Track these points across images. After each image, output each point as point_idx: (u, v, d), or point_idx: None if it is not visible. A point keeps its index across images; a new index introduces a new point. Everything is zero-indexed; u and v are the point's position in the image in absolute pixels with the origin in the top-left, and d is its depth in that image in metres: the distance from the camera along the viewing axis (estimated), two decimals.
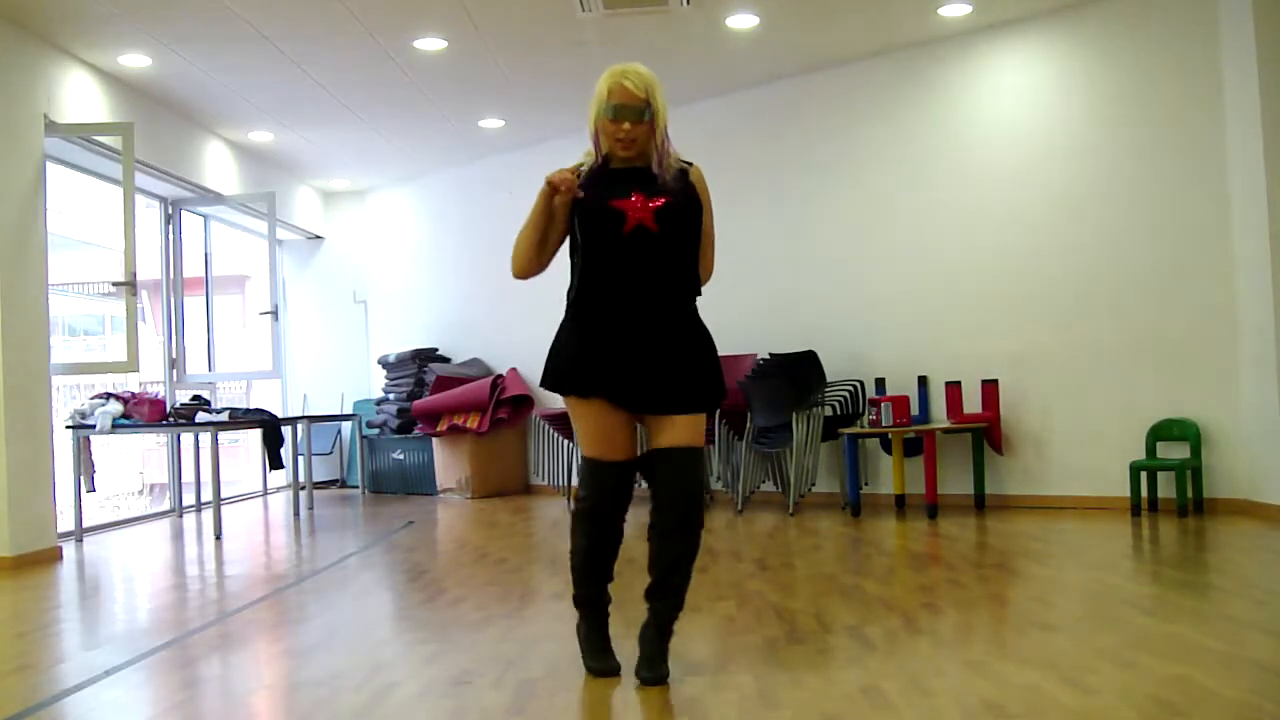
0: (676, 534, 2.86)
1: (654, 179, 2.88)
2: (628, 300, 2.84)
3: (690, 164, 2.98)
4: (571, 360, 2.87)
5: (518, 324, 9.03)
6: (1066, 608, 3.65)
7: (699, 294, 2.97)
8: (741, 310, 7.28)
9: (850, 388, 6.87)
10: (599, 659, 2.96)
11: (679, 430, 2.83)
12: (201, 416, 6.91)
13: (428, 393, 9.00)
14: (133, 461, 12.63)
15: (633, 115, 2.83)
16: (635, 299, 2.84)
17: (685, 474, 2.83)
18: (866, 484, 6.86)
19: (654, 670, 2.84)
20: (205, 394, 7.80)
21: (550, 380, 2.91)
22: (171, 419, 6.97)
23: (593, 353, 2.84)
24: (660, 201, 2.83)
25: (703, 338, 2.93)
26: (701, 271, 2.99)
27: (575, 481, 8.11)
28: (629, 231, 2.82)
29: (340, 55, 6.54)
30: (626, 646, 3.25)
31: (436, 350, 9.55)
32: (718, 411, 6.97)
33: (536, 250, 2.98)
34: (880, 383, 6.79)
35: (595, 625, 3.01)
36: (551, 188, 2.89)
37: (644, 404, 2.85)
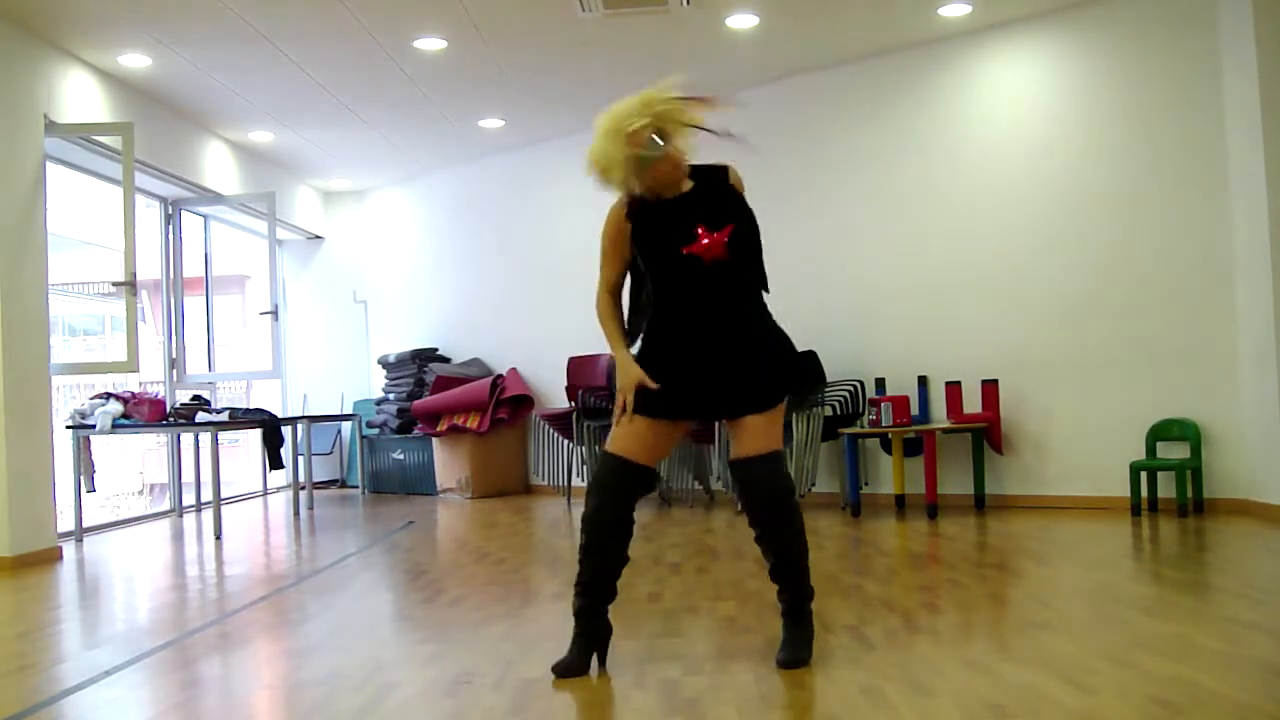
0: (770, 535, 2.96)
1: (703, 202, 2.94)
2: (709, 324, 2.91)
3: (727, 166, 3.03)
4: (659, 383, 2.91)
5: (518, 324, 9.04)
6: (1066, 608, 3.65)
7: (766, 290, 3.02)
8: None
9: (850, 388, 6.87)
10: (569, 656, 2.97)
11: (748, 437, 2.91)
12: (201, 416, 6.91)
13: (428, 393, 9.00)
14: (133, 461, 12.63)
15: (655, 150, 2.89)
16: (716, 322, 2.91)
17: (760, 482, 2.92)
18: (866, 484, 6.86)
19: (786, 653, 2.93)
20: (205, 394, 7.80)
21: (639, 405, 2.93)
22: (171, 419, 6.97)
23: (668, 378, 2.91)
24: (728, 231, 2.89)
25: (770, 334, 2.98)
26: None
27: (576, 482, 8.13)
28: (708, 268, 2.88)
29: (340, 55, 6.54)
30: (626, 647, 3.26)
31: (436, 350, 9.55)
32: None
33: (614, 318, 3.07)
34: (880, 383, 6.79)
35: (582, 630, 3.00)
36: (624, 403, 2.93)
37: (715, 413, 3.01)
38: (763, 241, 3.05)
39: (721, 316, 2.91)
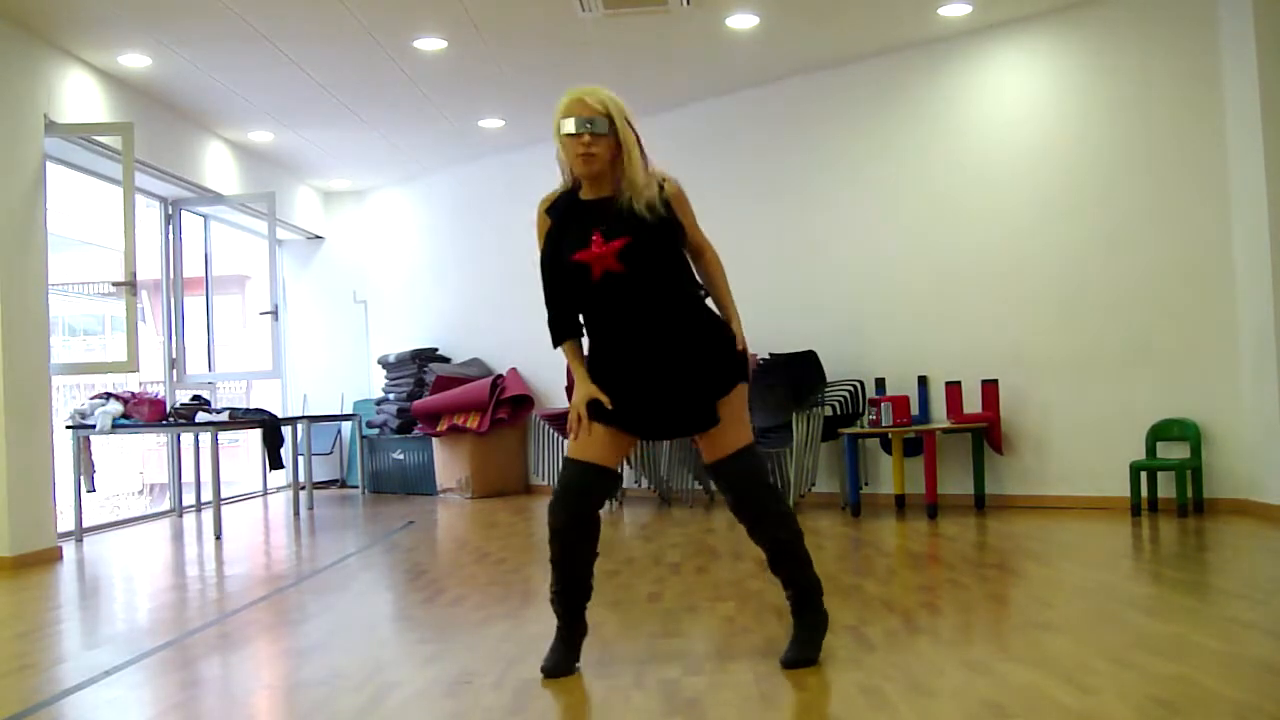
0: (759, 530, 2.98)
1: (617, 212, 2.84)
2: (619, 337, 2.90)
3: (665, 180, 2.90)
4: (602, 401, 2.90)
5: (518, 324, 9.03)
6: (1066, 608, 3.65)
7: (698, 289, 2.97)
8: (742, 310, 7.20)
9: (850, 388, 6.87)
10: (550, 657, 2.98)
11: (712, 443, 2.95)
12: (201, 416, 6.91)
13: (428, 393, 9.00)
14: (133, 461, 12.64)
15: (588, 127, 2.77)
16: (624, 335, 2.89)
17: (734, 478, 2.95)
18: (866, 484, 6.86)
19: (791, 652, 2.94)
20: (205, 394, 7.80)
21: (593, 414, 2.92)
22: (171, 419, 6.97)
23: (615, 392, 2.89)
24: (620, 242, 2.80)
25: (699, 336, 2.92)
26: (710, 272, 3.00)
27: None
28: (598, 279, 2.82)
29: (340, 55, 6.54)
30: (626, 647, 3.26)
31: (436, 350, 9.55)
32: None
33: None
34: (880, 383, 6.79)
35: (562, 630, 3.02)
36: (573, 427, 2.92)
37: (662, 434, 3.05)
38: (715, 245, 3.02)
39: (636, 331, 2.86)
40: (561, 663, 2.98)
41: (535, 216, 2.95)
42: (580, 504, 2.91)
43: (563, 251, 2.86)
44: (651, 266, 2.84)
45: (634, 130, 2.85)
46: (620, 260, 2.80)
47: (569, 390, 8.25)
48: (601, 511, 3.02)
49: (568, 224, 2.88)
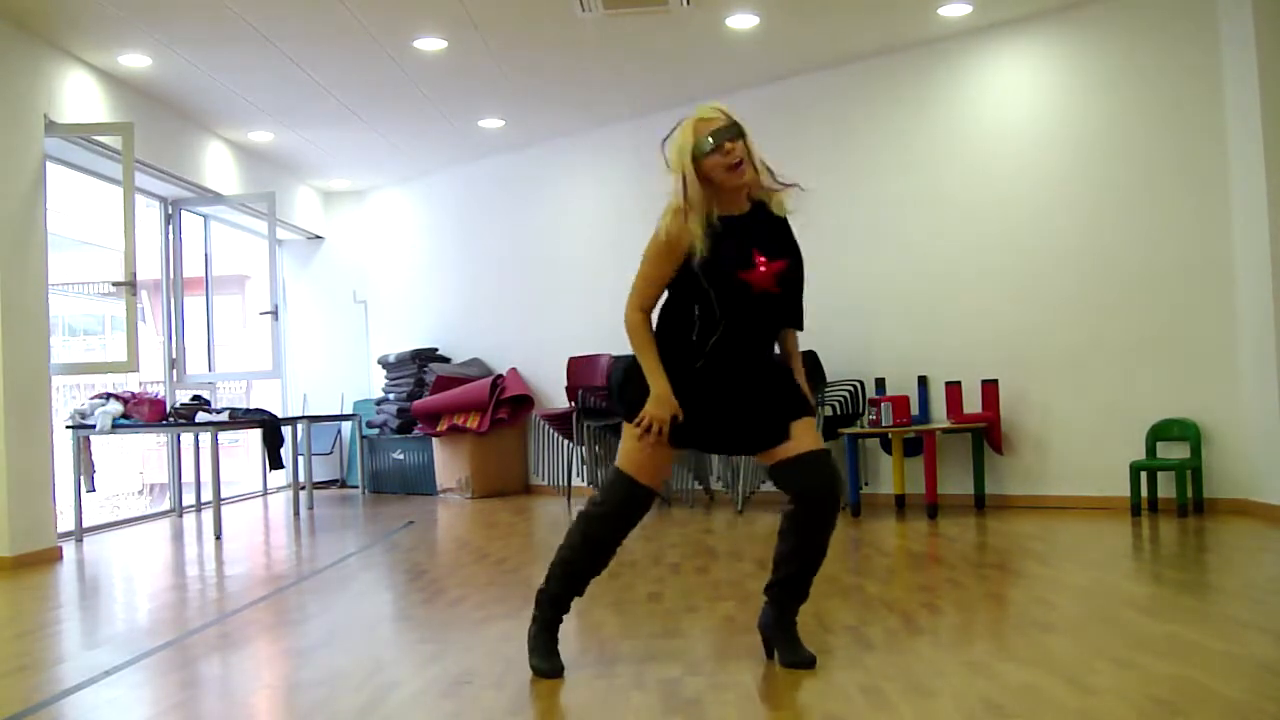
0: (818, 534, 2.90)
1: (761, 228, 2.88)
2: (748, 352, 2.88)
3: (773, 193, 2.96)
4: (686, 417, 2.85)
5: (518, 324, 9.04)
6: (1066, 608, 3.65)
7: (801, 327, 2.99)
8: None
9: (850, 388, 6.87)
10: (547, 660, 2.99)
11: (805, 435, 2.87)
12: (201, 416, 6.91)
13: (428, 393, 9.00)
14: (133, 461, 12.64)
15: (732, 134, 2.80)
16: (754, 351, 2.89)
17: (829, 474, 2.87)
18: (866, 484, 6.86)
19: (790, 655, 2.95)
20: (205, 394, 7.80)
21: (676, 437, 2.88)
22: (171, 419, 6.97)
23: (704, 411, 2.86)
24: (781, 265, 2.84)
25: (779, 365, 3.00)
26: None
27: (575, 481, 8.13)
28: (756, 295, 2.83)
29: (340, 55, 6.54)
30: (626, 647, 3.25)
31: (436, 350, 9.55)
32: None
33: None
34: (880, 383, 6.79)
35: (548, 627, 3.04)
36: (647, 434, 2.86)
37: (738, 449, 3.02)
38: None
39: (755, 352, 2.89)
40: (555, 665, 2.98)
41: (668, 212, 2.81)
42: (629, 524, 2.99)
43: (722, 265, 2.79)
44: (797, 289, 2.91)
45: None
46: (778, 283, 2.84)
47: (569, 390, 8.28)
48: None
49: (723, 239, 2.81)
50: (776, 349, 3.05)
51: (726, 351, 2.85)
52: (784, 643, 2.98)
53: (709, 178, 2.81)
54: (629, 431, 2.92)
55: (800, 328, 2.97)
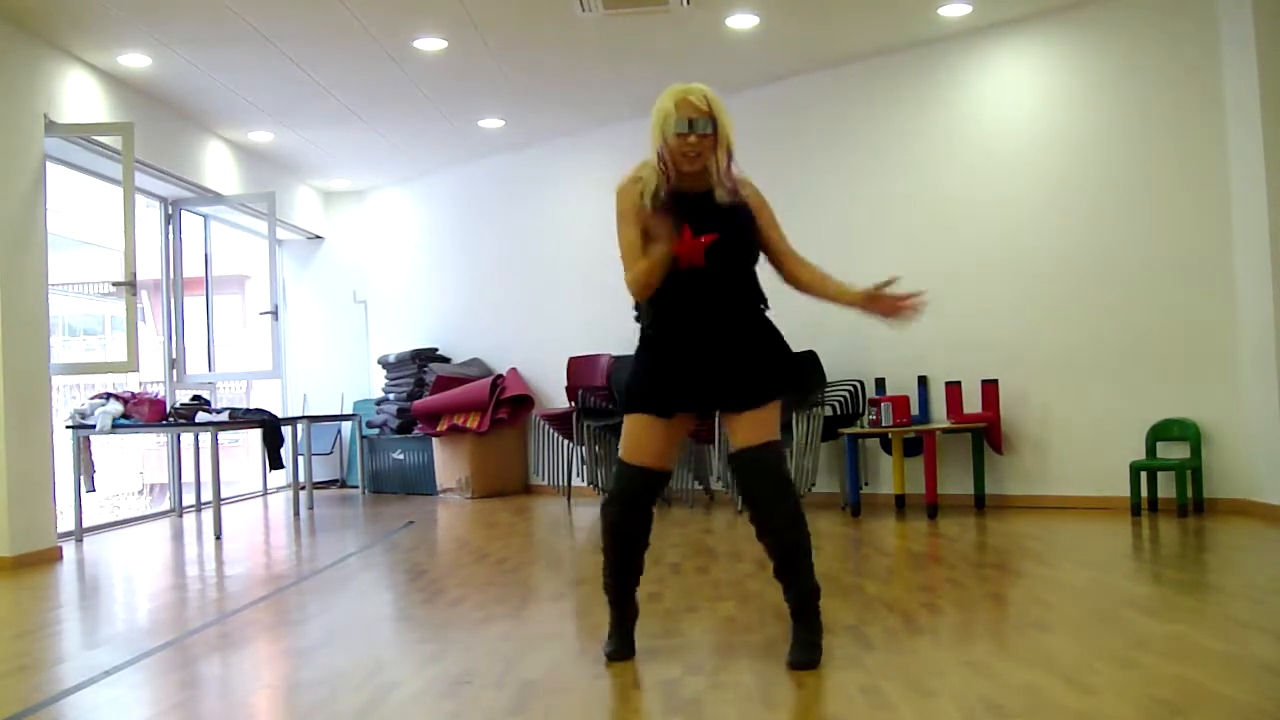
0: (771, 529, 2.97)
1: (709, 206, 2.97)
2: (687, 326, 2.98)
3: (747, 183, 3.08)
4: (646, 383, 3.01)
5: (518, 324, 9.04)
6: (1066, 608, 3.65)
7: (764, 303, 3.09)
8: None
9: (850, 388, 6.87)
10: (613, 643, 3.13)
11: (744, 430, 2.96)
12: (201, 416, 6.91)
13: (428, 393, 9.00)
14: (133, 461, 12.64)
15: (699, 128, 2.90)
16: (694, 324, 2.98)
17: (757, 472, 2.95)
18: (866, 484, 6.86)
19: (796, 654, 2.96)
20: (205, 394, 7.80)
21: (627, 404, 3.05)
22: (171, 419, 6.97)
23: (660, 376, 3.00)
24: (708, 239, 2.91)
25: (764, 334, 3.06)
26: (795, 268, 3.16)
27: (575, 482, 8.13)
28: (683, 270, 2.93)
29: (340, 55, 6.54)
30: (635, 641, 3.25)
31: (436, 350, 9.55)
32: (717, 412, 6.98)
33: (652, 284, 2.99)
34: (880, 383, 6.79)
35: (618, 621, 3.15)
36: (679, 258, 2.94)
37: (709, 406, 3.03)
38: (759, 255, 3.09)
39: (708, 320, 2.98)
40: (622, 646, 3.11)
41: (618, 193, 3.00)
42: (638, 505, 3.04)
43: (654, 236, 2.94)
44: (731, 264, 2.99)
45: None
46: (706, 256, 2.91)
47: (569, 390, 8.28)
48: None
49: (662, 212, 2.95)
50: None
51: (671, 321, 2.99)
52: (792, 638, 3.02)
53: (671, 153, 2.95)
54: (625, 422, 3.04)
55: (760, 292, 3.07)
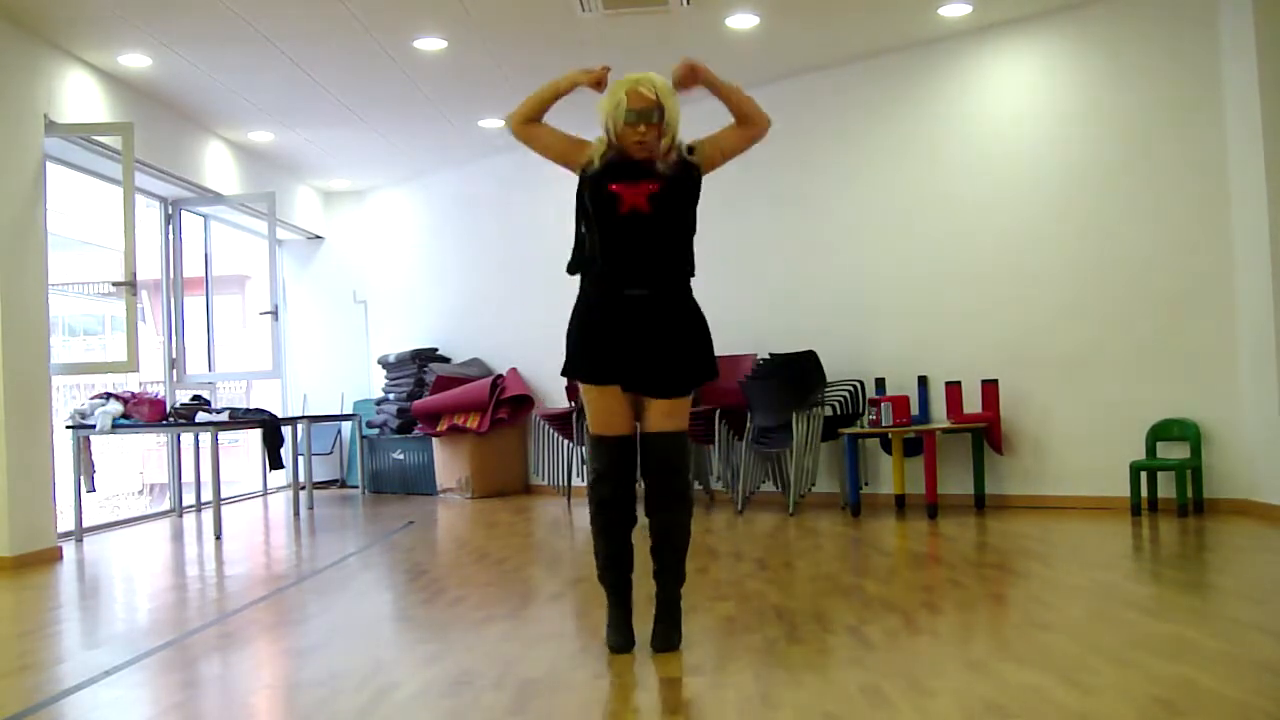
0: (661, 508, 3.18)
1: (653, 165, 3.16)
2: (623, 277, 3.15)
3: (691, 144, 3.27)
4: (580, 351, 3.21)
5: (518, 324, 9.04)
6: (1066, 608, 3.65)
7: (692, 274, 3.26)
8: (741, 310, 7.28)
9: (850, 388, 6.87)
10: (617, 634, 3.22)
11: (656, 415, 3.17)
12: (201, 416, 6.91)
13: (428, 393, 9.00)
14: (133, 461, 12.63)
15: (647, 118, 3.11)
16: (629, 276, 3.15)
17: (663, 455, 3.17)
18: (866, 484, 6.86)
19: (663, 639, 3.17)
20: (205, 394, 7.80)
21: (566, 369, 3.26)
22: (171, 419, 6.97)
23: (594, 340, 3.18)
24: (654, 187, 3.12)
25: (691, 320, 3.22)
26: (754, 116, 3.42)
27: (575, 482, 8.13)
28: (624, 213, 3.12)
29: (340, 55, 6.54)
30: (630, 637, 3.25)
31: (436, 350, 9.55)
32: (717, 412, 6.98)
33: (530, 116, 3.40)
34: (880, 383, 6.79)
35: (615, 601, 3.26)
36: (577, 81, 3.33)
37: (633, 385, 3.17)
38: (698, 227, 3.28)
39: (638, 272, 3.14)
40: (623, 637, 3.20)
41: (590, 141, 3.25)
42: (622, 472, 3.18)
43: (601, 178, 3.15)
44: (672, 216, 3.17)
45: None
46: (649, 202, 3.12)
47: (569, 390, 8.28)
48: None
49: (611, 166, 3.16)
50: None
51: (609, 284, 3.15)
52: (655, 626, 3.20)
53: (620, 139, 3.16)
54: (582, 394, 3.26)
55: (691, 264, 3.25)
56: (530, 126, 3.36)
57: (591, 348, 3.18)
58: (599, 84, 3.27)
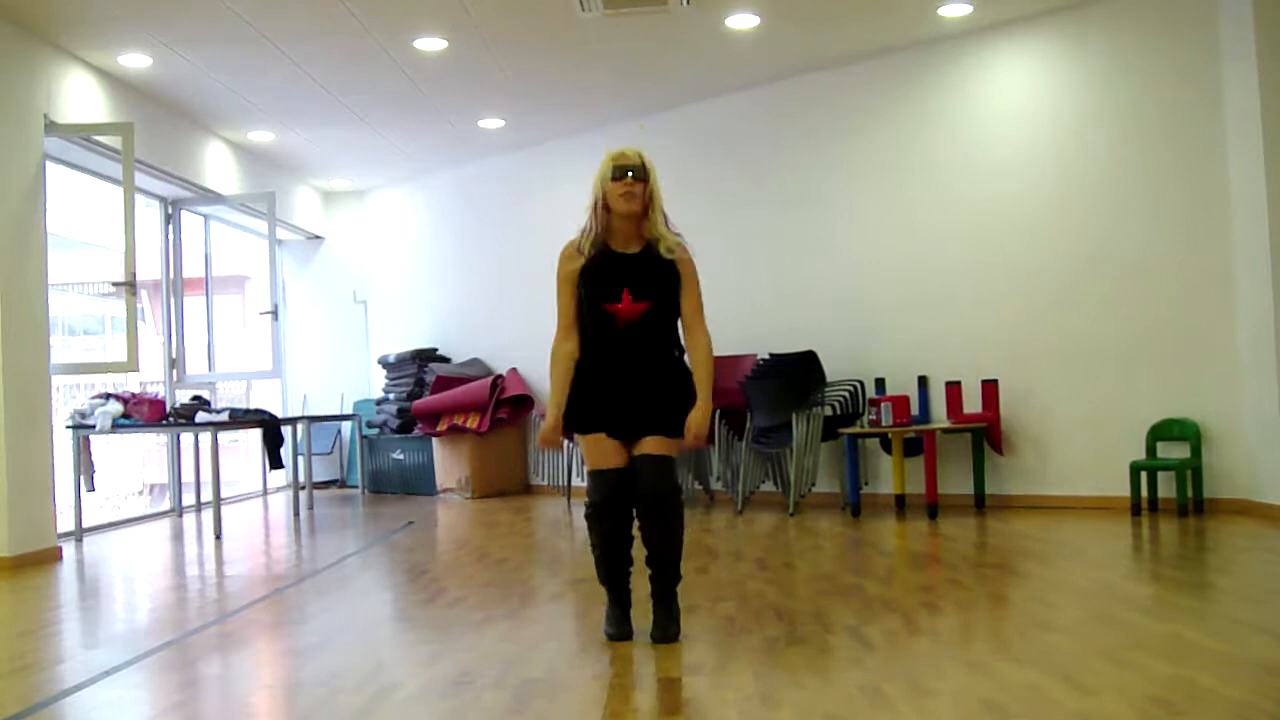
0: (655, 521, 3.32)
1: (641, 269, 3.36)
2: (617, 365, 3.40)
3: (681, 245, 3.42)
4: (580, 409, 3.42)
5: (518, 324, 9.03)
6: (1066, 608, 3.65)
7: (680, 350, 3.48)
8: (742, 310, 7.28)
9: (850, 388, 6.87)
10: (614, 626, 3.39)
11: (650, 444, 3.37)
12: (201, 416, 6.91)
13: (428, 393, 9.00)
14: (133, 461, 12.63)
15: (633, 172, 3.32)
16: (622, 365, 3.40)
17: (653, 476, 3.33)
18: (866, 484, 6.86)
19: (662, 631, 3.31)
20: (205, 394, 7.80)
21: (571, 426, 3.45)
22: (171, 419, 6.97)
23: (593, 402, 3.41)
24: (644, 307, 3.35)
25: (675, 378, 3.44)
26: (699, 337, 3.45)
27: (575, 482, 8.14)
28: (620, 328, 3.37)
29: (340, 55, 6.54)
30: (625, 646, 3.25)
31: (436, 350, 9.55)
32: (717, 412, 6.98)
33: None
34: (880, 383, 6.79)
35: (615, 602, 3.43)
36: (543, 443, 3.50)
37: (627, 433, 3.38)
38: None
39: (631, 361, 3.39)
40: (622, 628, 3.37)
41: (560, 257, 3.44)
42: (617, 505, 3.34)
43: (595, 298, 3.36)
44: (660, 324, 3.42)
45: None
46: (642, 316, 3.36)
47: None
48: None
49: (601, 272, 3.37)
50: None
51: (602, 358, 3.40)
52: (654, 618, 3.35)
53: (609, 205, 3.36)
54: (581, 445, 3.50)
55: (678, 340, 3.47)
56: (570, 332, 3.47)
57: (590, 408, 3.40)
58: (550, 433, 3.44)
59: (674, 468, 3.41)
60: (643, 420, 3.37)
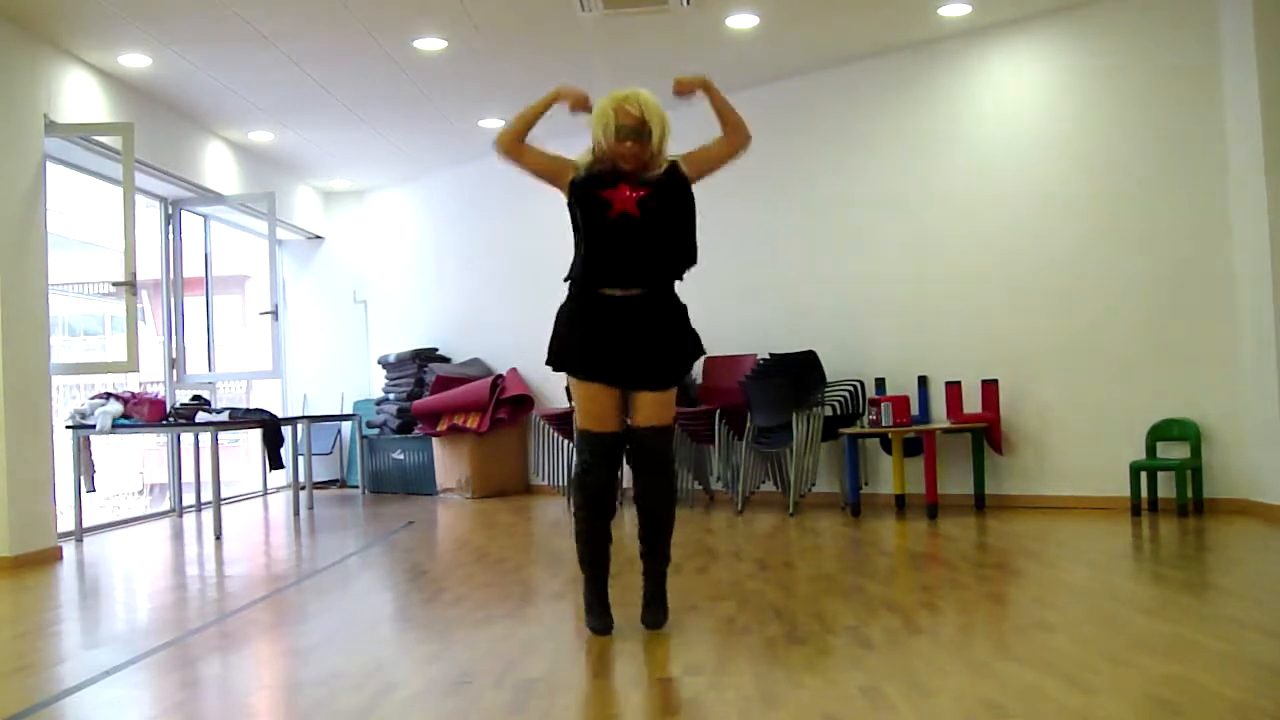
0: (650, 497, 3.38)
1: (642, 174, 3.32)
2: (613, 278, 3.29)
3: (675, 160, 3.38)
4: (572, 345, 3.34)
5: (518, 324, 9.03)
6: (1066, 608, 3.65)
7: (679, 277, 3.40)
8: (742, 310, 7.28)
9: (850, 388, 6.87)
10: (596, 619, 3.42)
11: (646, 410, 3.33)
12: (201, 416, 6.91)
13: (428, 393, 9.00)
14: (133, 461, 12.63)
15: (634, 135, 3.25)
16: (619, 277, 3.29)
17: (648, 451, 3.34)
18: (866, 484, 6.86)
19: (652, 616, 3.40)
20: (205, 394, 7.80)
21: (554, 361, 3.38)
22: (171, 419, 6.97)
23: (587, 338, 3.31)
24: (642, 192, 3.27)
25: (675, 317, 3.38)
26: (741, 125, 3.51)
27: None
28: (613, 217, 3.26)
29: (340, 55, 6.54)
30: (626, 647, 3.26)
31: (436, 350, 9.55)
32: (717, 412, 6.98)
33: (519, 135, 3.46)
34: (880, 383, 6.79)
35: (594, 587, 3.46)
36: (560, 96, 3.41)
37: (623, 382, 3.33)
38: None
39: (627, 274, 3.28)
40: (605, 622, 3.40)
41: (575, 156, 3.42)
42: (609, 468, 3.35)
43: (589, 186, 3.31)
44: (660, 221, 3.29)
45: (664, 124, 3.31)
46: (638, 206, 3.26)
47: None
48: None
49: (600, 173, 3.31)
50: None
51: (595, 284, 3.29)
52: (645, 602, 3.42)
53: (610, 152, 3.31)
54: (573, 391, 3.41)
55: (678, 265, 3.38)
56: (519, 145, 3.45)
57: (583, 345, 3.31)
58: (577, 103, 3.39)
59: (672, 437, 3.43)
60: (641, 371, 3.31)
